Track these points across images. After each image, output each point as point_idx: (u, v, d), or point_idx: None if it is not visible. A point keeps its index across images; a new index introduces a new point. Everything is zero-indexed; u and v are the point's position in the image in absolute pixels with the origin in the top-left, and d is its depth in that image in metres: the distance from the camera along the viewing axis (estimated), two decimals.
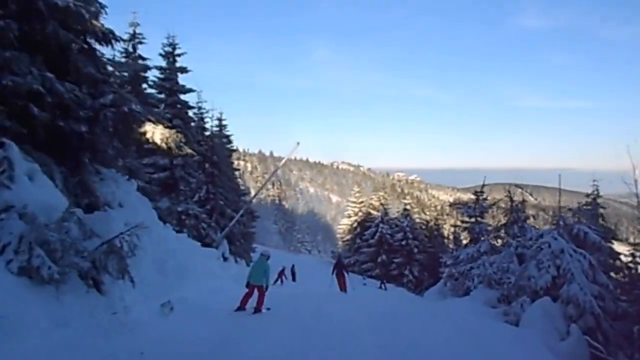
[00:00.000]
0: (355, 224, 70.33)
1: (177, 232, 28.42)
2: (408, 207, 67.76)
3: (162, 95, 30.62)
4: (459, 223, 25.87)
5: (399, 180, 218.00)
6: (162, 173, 29.32)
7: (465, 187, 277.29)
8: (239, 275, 33.98)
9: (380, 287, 49.46)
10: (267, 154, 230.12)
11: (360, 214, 70.39)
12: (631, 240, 21.67)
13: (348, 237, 71.28)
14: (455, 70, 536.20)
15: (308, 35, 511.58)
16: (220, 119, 43.54)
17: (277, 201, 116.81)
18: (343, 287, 25.98)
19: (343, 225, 73.96)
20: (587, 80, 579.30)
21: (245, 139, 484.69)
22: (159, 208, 26.90)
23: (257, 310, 13.42)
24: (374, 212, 68.55)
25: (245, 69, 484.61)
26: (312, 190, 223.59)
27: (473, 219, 24.72)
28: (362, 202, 71.55)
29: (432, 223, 71.92)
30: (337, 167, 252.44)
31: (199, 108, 37.89)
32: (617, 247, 20.05)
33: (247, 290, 13.83)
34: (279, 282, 35.76)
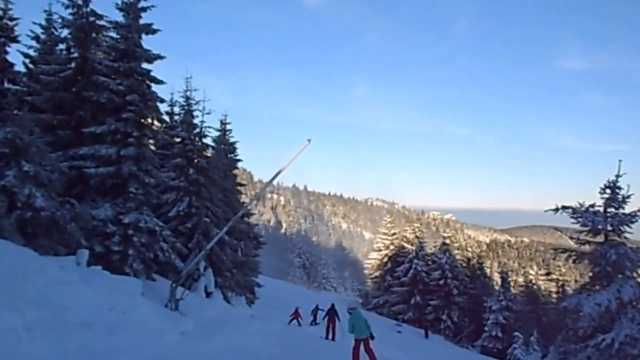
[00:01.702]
0: (385, 259, 59.63)
1: (116, 252, 18.83)
2: (447, 241, 56.73)
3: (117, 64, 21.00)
4: (568, 241, 14.52)
5: (434, 219, 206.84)
6: (104, 168, 19.52)
7: (502, 228, 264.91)
8: (222, 319, 24.02)
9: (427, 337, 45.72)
10: (301, 188, 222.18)
11: (392, 247, 59.69)
12: None
13: (377, 273, 60.55)
14: (493, 110, 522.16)
15: (348, 72, 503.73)
16: (224, 122, 34.06)
17: (302, 233, 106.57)
18: (332, 334, 24.44)
19: (372, 259, 63.10)
20: (622, 123, 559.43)
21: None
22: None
23: None
24: (408, 246, 57.88)
25: (283, 102, 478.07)
26: (344, 225, 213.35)
27: (600, 237, 13.05)
28: (394, 234, 60.85)
29: (474, 261, 60.94)
30: (371, 204, 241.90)
31: (187, 98, 28.46)
32: None
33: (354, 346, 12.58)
34: (294, 322, 31.16)
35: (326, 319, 25.15)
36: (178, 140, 28.02)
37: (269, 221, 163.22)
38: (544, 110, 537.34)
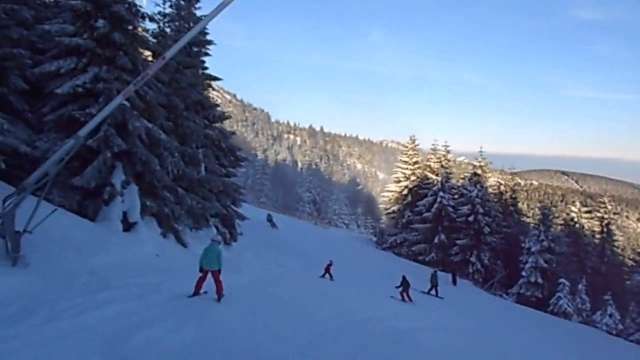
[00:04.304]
0: (405, 191, 47.48)
1: None
2: (479, 171, 44.34)
3: None
4: None
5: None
6: None
7: (514, 171, 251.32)
8: (123, 274, 11.50)
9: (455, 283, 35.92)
10: (318, 129, 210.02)
11: (413, 178, 47.38)
12: None
13: (394, 208, 48.46)
14: (506, 58, 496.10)
15: (364, 18, 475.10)
16: None
17: (313, 166, 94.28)
18: (408, 297, 23.04)
19: (389, 192, 50.83)
20: (634, 74, 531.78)
21: (297, 113, 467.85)
22: None
23: (220, 296, 11.65)
24: (432, 177, 45.61)
25: (300, 48, 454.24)
26: (359, 166, 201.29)
27: None
28: (416, 162, 48.42)
29: (507, 195, 48.62)
30: (386, 146, 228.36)
31: None
32: None
33: (200, 275, 11.62)
34: (327, 276, 24.14)
35: (400, 289, 23.28)
36: None
37: (284, 160, 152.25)
38: (556, 58, 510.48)
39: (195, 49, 22.68)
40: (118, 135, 14.59)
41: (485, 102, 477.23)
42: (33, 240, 10.33)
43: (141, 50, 16.77)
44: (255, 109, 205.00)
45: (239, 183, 27.49)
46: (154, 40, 18.75)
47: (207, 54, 23.46)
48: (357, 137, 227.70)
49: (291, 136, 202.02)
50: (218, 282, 11.65)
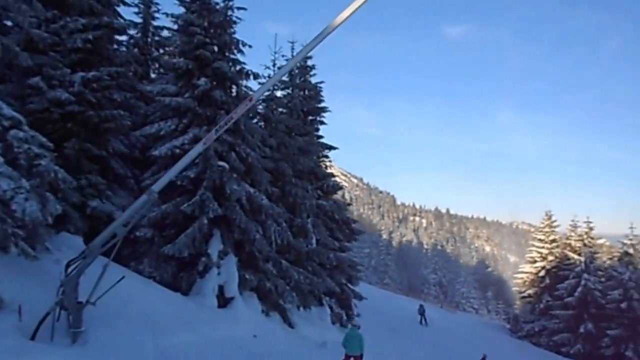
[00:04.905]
0: (542, 273, 42.14)
1: None
2: (631, 250, 38.29)
3: None
4: None
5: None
6: None
7: None
8: None
9: None
10: (444, 210, 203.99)
11: (550, 258, 42.08)
12: None
13: (530, 291, 43.15)
14: None
15: (491, 98, 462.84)
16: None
17: (439, 247, 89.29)
18: None
19: (523, 274, 45.61)
20: None
21: (422, 196, 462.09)
22: None
23: None
24: (574, 256, 40.03)
25: (425, 131, 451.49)
26: (487, 248, 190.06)
27: None
28: (554, 240, 43.17)
29: None
30: (517, 227, 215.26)
31: None
32: None
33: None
34: None
35: None
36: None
37: (410, 242, 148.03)
38: None
39: (310, 118, 21.60)
40: (215, 199, 13.18)
41: (628, 179, 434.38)
42: (106, 313, 8.81)
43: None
44: (381, 192, 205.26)
45: (358, 260, 25.38)
46: (263, 104, 17.76)
47: (322, 122, 22.28)
48: (484, 218, 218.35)
49: (417, 218, 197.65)
50: None
